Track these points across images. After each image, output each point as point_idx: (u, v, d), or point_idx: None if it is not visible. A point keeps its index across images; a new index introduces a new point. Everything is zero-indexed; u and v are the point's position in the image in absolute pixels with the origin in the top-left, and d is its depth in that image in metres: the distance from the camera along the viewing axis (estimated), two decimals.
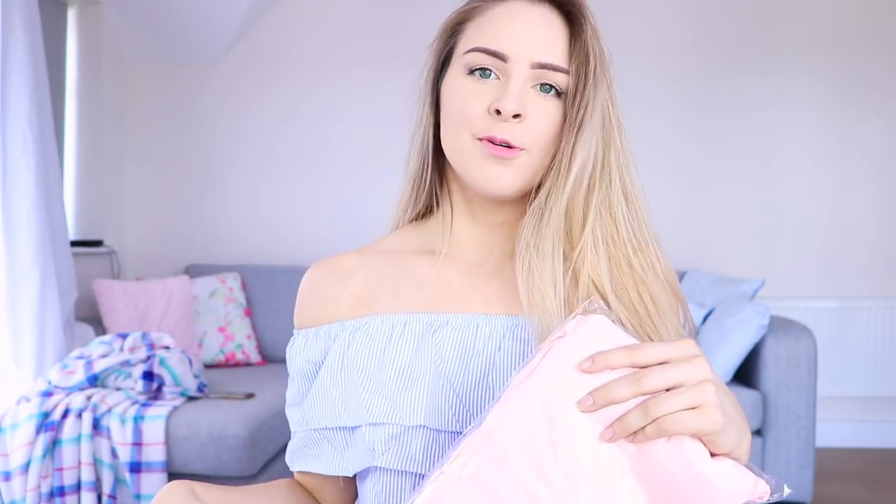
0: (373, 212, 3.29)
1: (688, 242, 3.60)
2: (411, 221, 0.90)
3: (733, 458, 0.63)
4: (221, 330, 3.25)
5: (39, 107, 2.49)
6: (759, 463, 2.68)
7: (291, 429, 0.86)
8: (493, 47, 0.77)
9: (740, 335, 2.68)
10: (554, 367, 0.61)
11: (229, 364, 3.24)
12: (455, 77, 0.79)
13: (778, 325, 2.76)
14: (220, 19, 3.53)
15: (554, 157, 0.78)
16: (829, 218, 3.60)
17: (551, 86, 0.77)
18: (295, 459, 0.86)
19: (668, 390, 0.60)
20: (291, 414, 0.87)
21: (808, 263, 3.59)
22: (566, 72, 0.77)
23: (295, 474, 0.90)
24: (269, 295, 3.40)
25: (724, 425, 0.61)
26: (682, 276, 3.37)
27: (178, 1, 3.40)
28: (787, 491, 0.66)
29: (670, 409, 0.59)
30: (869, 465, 3.28)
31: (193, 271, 3.49)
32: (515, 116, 0.75)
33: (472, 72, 0.78)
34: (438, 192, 0.88)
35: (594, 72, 0.76)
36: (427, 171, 0.86)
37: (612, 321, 0.64)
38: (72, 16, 3.40)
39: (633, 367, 0.60)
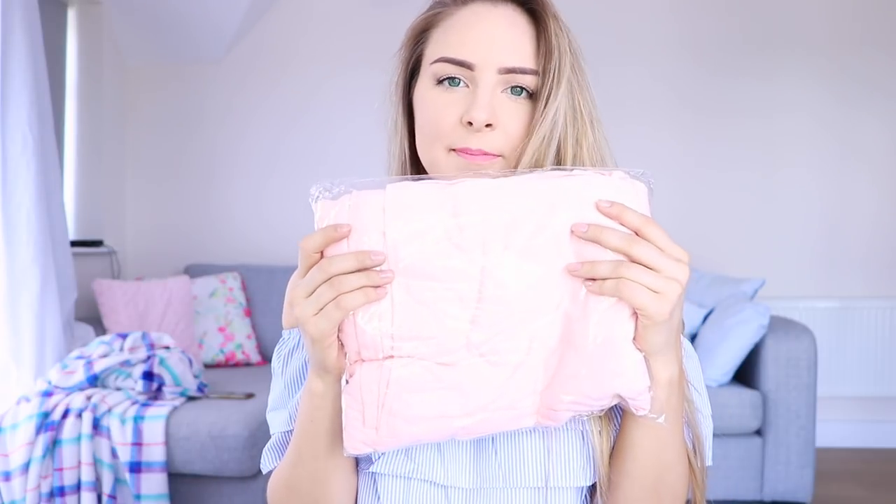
0: None
1: (688, 242, 3.55)
2: None
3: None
4: (221, 330, 3.25)
5: (39, 107, 2.49)
6: (759, 463, 2.68)
7: (273, 431, 0.85)
8: (458, 57, 0.76)
9: (740, 335, 2.68)
10: (581, 188, 0.66)
11: (229, 364, 3.24)
12: (424, 87, 0.79)
13: (778, 325, 2.76)
14: (220, 19, 3.53)
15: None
16: (829, 218, 3.60)
17: (522, 87, 0.76)
18: (278, 457, 0.84)
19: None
20: (274, 417, 0.85)
21: (807, 263, 3.59)
22: (535, 72, 0.76)
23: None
24: (269, 295, 3.40)
25: (666, 322, 0.65)
26: None
27: (177, 1, 3.40)
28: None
29: (636, 279, 0.63)
30: (869, 465, 3.28)
31: (193, 271, 3.49)
32: (487, 126, 0.75)
33: (440, 82, 0.77)
34: None
35: (556, 69, 0.75)
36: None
37: (649, 198, 0.69)
38: (72, 16, 3.40)
39: (637, 234, 0.65)
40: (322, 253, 0.66)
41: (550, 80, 0.75)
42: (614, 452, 0.75)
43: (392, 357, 0.66)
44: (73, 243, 3.15)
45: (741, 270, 3.53)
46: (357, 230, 0.65)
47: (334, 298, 0.64)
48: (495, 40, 0.76)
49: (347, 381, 0.67)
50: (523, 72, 0.76)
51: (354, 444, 0.67)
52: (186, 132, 3.74)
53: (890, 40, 3.56)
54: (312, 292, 0.65)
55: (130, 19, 3.53)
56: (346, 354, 0.68)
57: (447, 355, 0.66)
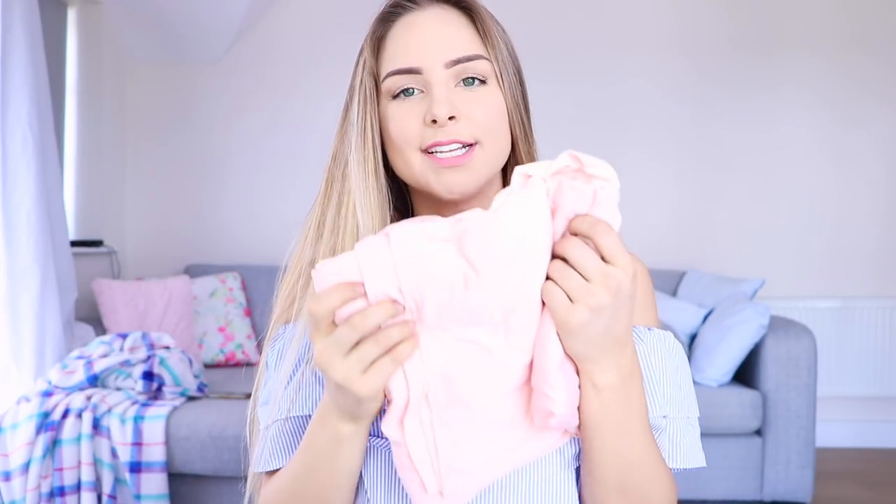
0: None
1: (688, 242, 3.60)
2: None
3: (593, 378, 0.67)
4: (221, 330, 3.25)
5: (39, 107, 2.49)
6: (759, 463, 2.68)
7: (263, 425, 0.83)
8: (403, 66, 0.78)
9: (740, 335, 2.67)
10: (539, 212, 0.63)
11: (229, 364, 3.24)
12: (385, 106, 0.81)
13: (778, 325, 2.75)
14: (219, 20, 3.53)
15: (514, 141, 0.82)
16: (829, 218, 3.59)
17: (474, 77, 0.79)
18: (275, 458, 0.82)
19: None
20: (264, 412, 0.84)
21: (808, 263, 3.59)
22: (482, 58, 0.79)
23: (265, 476, 0.84)
24: (268, 295, 3.36)
25: (581, 333, 0.63)
26: (681, 276, 3.37)
27: (177, 1, 3.40)
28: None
29: (559, 280, 0.62)
30: (869, 465, 3.28)
31: (193, 271, 3.49)
32: (451, 119, 0.76)
33: (395, 96, 0.80)
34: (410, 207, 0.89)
35: (502, 53, 0.80)
36: (390, 198, 0.84)
37: (606, 195, 0.65)
38: (72, 16, 3.40)
39: (591, 239, 0.62)
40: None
41: (499, 63, 0.79)
42: (582, 454, 0.75)
43: (429, 409, 0.65)
44: (73, 243, 3.15)
45: (741, 270, 3.54)
46: (371, 285, 0.61)
47: (383, 354, 0.61)
48: (433, 39, 0.78)
49: (390, 440, 0.66)
50: (469, 59, 0.78)
51: None
52: (186, 132, 3.74)
53: (891, 44, 3.56)
54: (350, 351, 0.61)
55: (130, 19, 3.52)
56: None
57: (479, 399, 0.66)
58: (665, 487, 0.75)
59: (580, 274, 0.62)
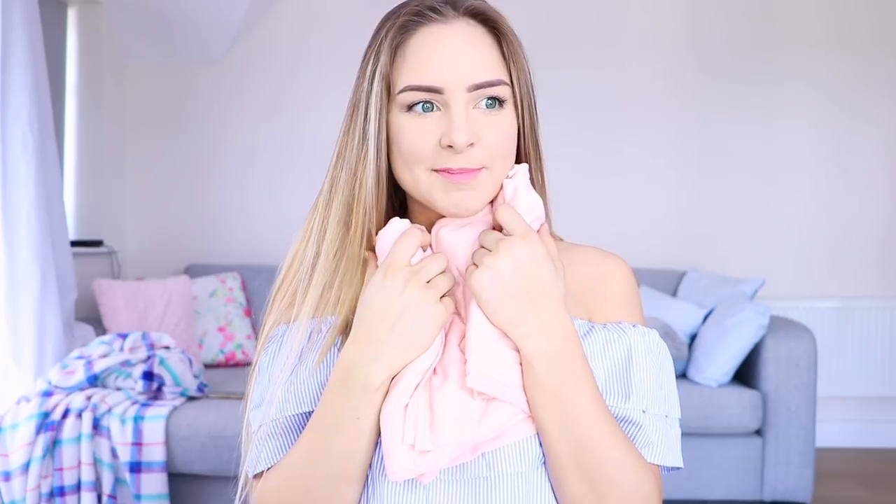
0: None
1: (688, 242, 3.60)
2: None
3: (515, 339, 0.74)
4: (221, 330, 3.25)
5: (39, 107, 2.49)
6: (759, 463, 2.68)
7: (255, 427, 0.81)
8: (424, 83, 0.75)
9: (740, 335, 2.67)
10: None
11: (229, 364, 3.24)
12: (396, 115, 0.78)
13: (778, 325, 2.75)
14: (219, 20, 3.53)
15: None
16: (829, 218, 3.59)
17: (494, 99, 0.77)
18: (271, 457, 0.80)
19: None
20: (256, 415, 0.82)
21: (808, 263, 3.59)
22: (503, 83, 0.77)
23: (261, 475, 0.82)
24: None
25: (480, 289, 0.72)
26: (681, 276, 3.37)
27: (177, 2, 3.40)
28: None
29: (475, 258, 0.75)
30: (869, 465, 3.28)
31: (193, 271, 3.49)
32: (470, 145, 0.75)
33: (410, 108, 0.77)
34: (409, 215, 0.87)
35: (526, 78, 0.81)
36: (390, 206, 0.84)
37: (519, 180, 0.80)
38: (72, 16, 3.40)
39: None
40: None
41: (520, 89, 0.79)
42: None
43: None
44: (73, 243, 3.15)
45: (741, 270, 3.53)
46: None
47: (449, 289, 0.75)
48: (458, 59, 0.76)
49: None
50: (491, 84, 0.76)
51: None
52: (186, 132, 3.74)
53: (893, 43, 3.56)
54: (429, 282, 0.74)
55: (130, 19, 3.53)
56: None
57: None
58: (634, 474, 0.74)
59: (487, 249, 0.75)
